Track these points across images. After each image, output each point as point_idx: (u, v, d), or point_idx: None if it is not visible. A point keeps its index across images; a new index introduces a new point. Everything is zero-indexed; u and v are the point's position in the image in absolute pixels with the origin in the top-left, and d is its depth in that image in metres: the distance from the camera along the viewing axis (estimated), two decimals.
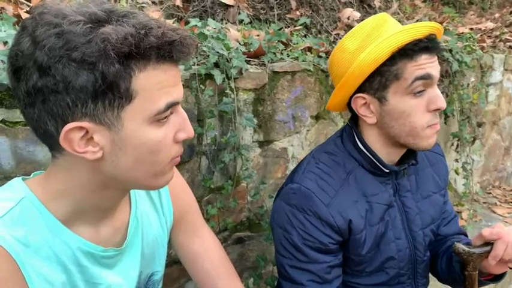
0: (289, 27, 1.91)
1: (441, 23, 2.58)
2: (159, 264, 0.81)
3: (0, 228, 0.56)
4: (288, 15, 1.97)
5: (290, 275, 0.93)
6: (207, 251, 0.89)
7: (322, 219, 0.88)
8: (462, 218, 2.31)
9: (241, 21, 1.73)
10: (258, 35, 1.56)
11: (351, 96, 0.91)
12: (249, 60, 1.38)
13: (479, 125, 2.48)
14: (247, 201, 1.44)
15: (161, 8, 1.60)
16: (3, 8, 1.11)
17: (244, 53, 1.34)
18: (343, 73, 0.88)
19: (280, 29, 1.70)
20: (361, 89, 0.88)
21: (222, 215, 1.37)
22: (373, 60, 0.83)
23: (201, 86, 1.20)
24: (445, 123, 2.24)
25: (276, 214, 0.95)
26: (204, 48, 1.24)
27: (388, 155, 0.93)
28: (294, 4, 1.98)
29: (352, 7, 2.18)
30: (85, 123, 0.54)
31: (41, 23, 0.52)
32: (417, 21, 2.58)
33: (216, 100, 1.25)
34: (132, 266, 0.73)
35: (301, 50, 1.56)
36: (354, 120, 0.97)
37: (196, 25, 1.41)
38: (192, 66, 1.20)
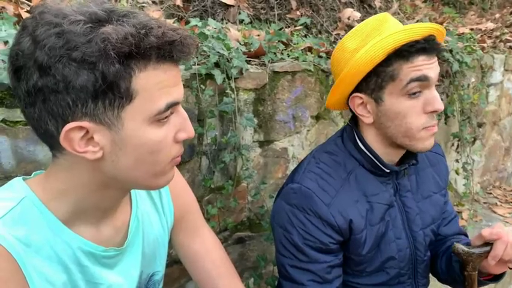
0: (289, 27, 1.91)
1: (441, 23, 2.58)
2: (159, 264, 0.81)
3: (1, 228, 0.56)
4: (288, 15, 1.97)
5: (290, 275, 0.93)
6: (208, 251, 0.89)
7: (323, 219, 0.88)
8: (462, 218, 2.31)
9: (241, 21, 1.73)
10: (258, 35, 1.56)
11: (350, 95, 0.91)
12: (250, 60, 1.38)
13: (480, 125, 2.48)
14: (247, 201, 1.44)
15: (161, 8, 1.60)
16: (3, 7, 1.11)
17: (244, 53, 1.34)
18: (341, 72, 0.88)
19: (280, 29, 1.70)
20: (358, 88, 0.89)
21: (223, 215, 1.37)
22: (368, 60, 0.83)
23: (201, 85, 1.20)
24: (446, 123, 2.24)
25: (277, 214, 0.95)
26: (205, 48, 1.24)
27: (387, 155, 0.93)
28: (294, 4, 1.98)
29: (353, 7, 2.18)
30: (85, 123, 0.54)
31: (41, 22, 0.52)
32: (417, 21, 2.58)
33: (217, 100, 1.25)
34: (133, 266, 0.73)
35: (302, 50, 1.56)
36: (354, 120, 0.97)
37: (196, 25, 1.41)
38: (193, 66, 1.20)
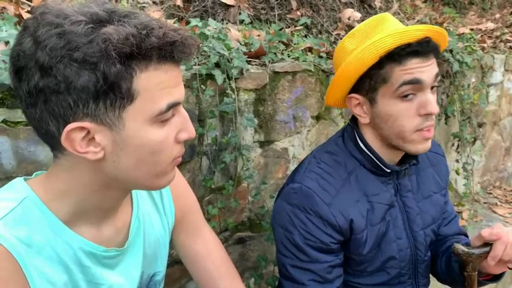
0: (289, 27, 1.91)
1: (441, 23, 2.58)
2: (160, 265, 0.81)
3: (2, 228, 0.56)
4: (288, 16, 1.97)
5: (291, 275, 0.93)
6: (209, 252, 0.89)
7: (324, 219, 0.88)
8: (463, 218, 2.31)
9: (241, 22, 1.73)
10: (258, 35, 1.56)
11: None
12: (250, 61, 1.38)
13: (480, 125, 2.48)
14: (248, 201, 1.44)
15: (162, 8, 1.60)
16: (4, 7, 1.11)
17: (245, 53, 1.34)
18: None
19: (280, 29, 1.70)
20: (354, 88, 0.89)
21: (223, 215, 1.37)
22: (360, 63, 0.84)
23: (201, 86, 1.20)
24: (446, 123, 2.25)
25: (277, 214, 0.95)
26: (205, 49, 1.24)
27: (387, 155, 0.93)
28: (294, 4, 1.98)
29: (353, 7, 2.18)
30: (86, 124, 0.54)
31: (42, 23, 0.52)
32: (418, 21, 2.58)
33: (217, 100, 1.25)
34: (134, 266, 0.73)
35: (302, 50, 1.56)
36: (355, 120, 0.97)
37: (197, 25, 1.41)
38: (193, 67, 1.20)
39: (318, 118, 1.61)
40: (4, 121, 0.90)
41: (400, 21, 0.90)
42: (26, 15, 1.09)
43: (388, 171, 0.93)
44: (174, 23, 1.48)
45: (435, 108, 0.82)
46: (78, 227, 0.64)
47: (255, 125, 1.36)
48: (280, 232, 0.94)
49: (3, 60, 0.90)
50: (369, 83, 0.86)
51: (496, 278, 0.95)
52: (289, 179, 0.98)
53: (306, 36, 1.88)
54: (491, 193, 2.77)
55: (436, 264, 1.05)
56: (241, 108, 1.32)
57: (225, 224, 1.39)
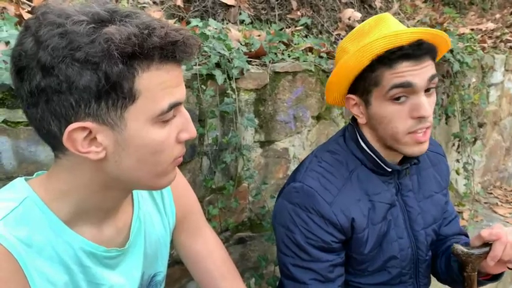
0: (290, 27, 1.91)
1: (442, 23, 2.58)
2: (161, 265, 0.81)
3: (3, 228, 0.56)
4: (288, 16, 1.97)
5: (293, 274, 0.93)
6: (210, 252, 0.89)
7: (325, 218, 0.88)
8: (463, 218, 2.31)
9: (242, 22, 1.73)
10: (259, 35, 1.56)
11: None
12: (250, 61, 1.38)
13: (480, 125, 2.48)
14: (248, 201, 1.44)
15: (162, 8, 1.60)
16: (4, 8, 1.11)
17: (245, 54, 1.34)
18: None
19: (281, 29, 1.70)
20: (352, 89, 0.90)
21: (224, 215, 1.37)
22: (352, 66, 0.85)
23: (202, 86, 1.20)
24: (446, 123, 2.25)
25: (279, 213, 0.95)
26: (206, 49, 1.24)
27: (386, 155, 0.93)
28: (294, 4, 1.98)
29: (353, 7, 2.18)
30: (88, 124, 0.54)
31: (44, 23, 0.52)
32: (418, 21, 2.58)
33: (218, 100, 1.25)
34: (134, 266, 0.73)
35: (302, 50, 1.56)
36: (356, 119, 0.97)
37: (197, 25, 1.41)
38: (194, 67, 1.20)
39: (318, 118, 1.61)
40: (4, 121, 0.90)
41: (400, 21, 0.90)
42: (26, 16, 1.09)
43: (389, 170, 0.93)
44: (175, 23, 1.48)
45: (427, 112, 0.81)
46: (79, 227, 0.64)
47: (256, 125, 1.36)
48: (281, 231, 0.94)
49: (3, 61, 0.90)
50: (363, 84, 0.86)
51: (495, 277, 0.94)
52: (290, 178, 0.98)
53: (306, 36, 1.88)
54: (491, 193, 2.77)
55: (435, 264, 1.05)
56: (242, 108, 1.32)
57: (226, 224, 1.39)
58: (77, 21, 0.51)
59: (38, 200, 0.60)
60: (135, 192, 0.75)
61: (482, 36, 2.70)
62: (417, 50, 0.80)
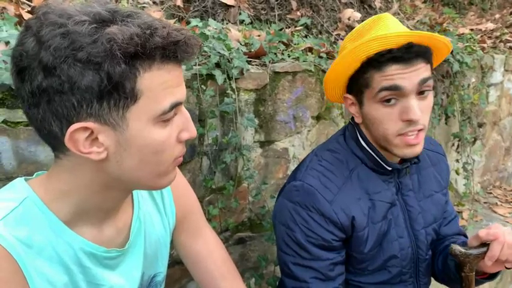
0: (289, 27, 1.91)
1: (441, 23, 2.58)
2: (161, 265, 0.81)
3: (2, 228, 0.56)
4: (288, 16, 1.97)
5: (293, 273, 0.93)
6: (210, 252, 0.88)
7: (325, 216, 0.89)
8: (463, 218, 2.31)
9: (242, 22, 1.73)
10: (258, 36, 1.56)
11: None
12: (250, 61, 1.38)
13: (480, 125, 2.49)
14: (248, 201, 1.44)
15: (162, 8, 1.60)
16: (4, 8, 1.11)
17: (245, 54, 1.34)
18: None
19: (281, 30, 1.70)
20: (348, 89, 0.91)
21: (224, 215, 1.37)
22: (345, 66, 0.86)
23: (202, 86, 1.20)
24: (446, 123, 2.25)
25: (279, 212, 0.96)
26: (205, 49, 1.24)
27: (384, 155, 0.93)
28: (294, 4, 1.98)
29: (353, 8, 2.18)
30: (90, 124, 0.54)
31: (45, 23, 0.52)
32: (417, 21, 2.58)
33: (217, 100, 1.25)
34: (134, 267, 0.73)
35: (302, 50, 1.56)
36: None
37: (197, 25, 1.41)
38: (194, 67, 1.20)
39: (318, 118, 1.61)
40: (4, 121, 0.90)
41: (400, 21, 0.90)
42: (26, 15, 1.09)
43: (390, 169, 0.93)
44: (175, 23, 1.48)
45: (416, 115, 0.81)
46: (79, 227, 0.64)
47: (256, 125, 1.36)
48: (281, 230, 0.94)
49: (3, 61, 0.90)
50: (356, 85, 0.87)
51: (492, 276, 0.95)
52: (290, 177, 0.98)
53: (306, 36, 1.89)
54: (491, 193, 2.77)
55: (433, 263, 1.05)
56: (242, 108, 1.32)
57: (226, 224, 1.39)
58: (78, 21, 0.51)
59: (37, 200, 0.60)
60: (135, 192, 0.75)
61: (481, 36, 2.70)
62: (406, 53, 0.80)
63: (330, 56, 1.59)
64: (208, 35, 1.32)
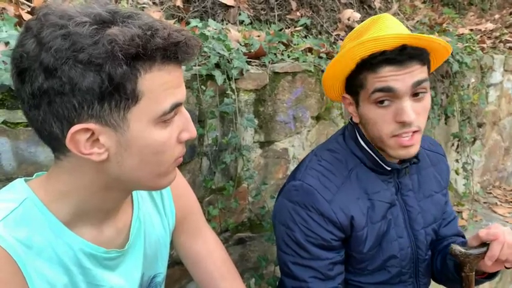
0: (289, 28, 1.91)
1: (441, 24, 2.59)
2: (161, 266, 0.81)
3: (2, 229, 0.56)
4: (288, 16, 1.97)
5: (292, 272, 0.93)
6: (210, 252, 0.89)
7: (324, 216, 0.89)
8: (463, 218, 2.31)
9: (241, 22, 1.73)
10: (258, 36, 1.56)
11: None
12: (250, 61, 1.38)
13: (480, 125, 2.49)
14: (248, 201, 1.44)
15: (162, 9, 1.60)
16: (4, 8, 1.11)
17: (245, 54, 1.34)
18: None
19: (280, 30, 1.70)
20: (347, 89, 0.92)
21: (223, 215, 1.37)
22: (341, 67, 0.86)
23: (202, 86, 1.20)
24: (446, 123, 2.25)
25: (278, 211, 0.96)
26: (205, 49, 1.24)
27: (383, 155, 0.93)
28: (294, 5, 1.99)
29: (353, 8, 2.18)
30: (91, 125, 0.54)
31: (46, 24, 0.52)
32: (417, 22, 2.59)
33: (217, 101, 1.25)
34: (134, 267, 0.73)
35: (302, 50, 1.56)
36: None
37: (197, 26, 1.41)
38: (193, 67, 1.20)
39: (318, 118, 1.61)
40: (4, 122, 0.90)
41: (400, 21, 0.90)
42: (26, 16, 1.09)
43: (389, 169, 0.93)
44: (174, 23, 1.48)
45: (409, 117, 0.81)
46: (79, 228, 0.64)
47: (255, 126, 1.36)
48: (281, 229, 0.94)
49: (3, 61, 0.90)
50: (352, 85, 0.88)
51: (491, 276, 0.95)
52: (290, 177, 0.98)
53: (305, 36, 1.89)
54: (491, 193, 2.77)
55: (431, 263, 1.05)
56: (242, 109, 1.32)
57: (226, 225, 1.39)
58: (79, 22, 0.51)
59: (37, 201, 0.60)
60: (134, 193, 0.75)
61: (481, 36, 2.71)
62: (400, 55, 0.79)
63: (330, 56, 1.59)
64: (208, 35, 1.32)
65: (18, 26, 1.04)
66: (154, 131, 0.57)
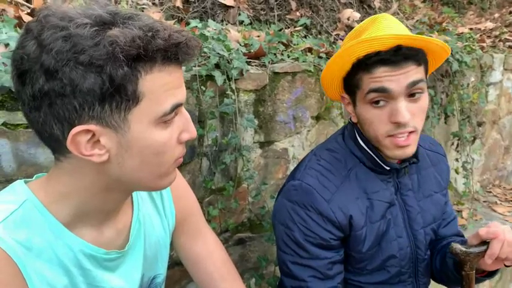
0: (289, 28, 1.91)
1: (441, 23, 2.59)
2: (161, 267, 0.81)
3: (2, 231, 0.56)
4: (288, 16, 1.97)
5: (292, 271, 0.93)
6: (210, 253, 0.89)
7: (323, 215, 0.89)
8: (462, 217, 2.32)
9: (241, 22, 1.73)
10: (258, 36, 1.56)
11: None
12: (250, 61, 1.38)
13: (480, 124, 2.49)
14: (248, 202, 1.44)
15: (161, 9, 1.60)
16: (4, 10, 1.10)
17: (244, 54, 1.34)
18: None
19: (280, 30, 1.70)
20: (345, 88, 0.92)
21: (223, 216, 1.37)
22: (338, 67, 0.87)
23: (202, 87, 1.20)
24: (446, 122, 2.25)
25: (278, 211, 0.96)
26: (205, 50, 1.24)
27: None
28: (294, 5, 1.98)
29: (352, 8, 2.18)
30: (92, 126, 0.54)
31: (46, 26, 0.52)
32: (417, 21, 2.58)
33: (217, 101, 1.25)
34: (134, 268, 0.73)
35: (302, 50, 1.56)
36: None
37: (196, 26, 1.41)
38: (193, 68, 1.20)
39: (317, 118, 1.61)
40: (4, 124, 0.90)
41: (399, 21, 0.90)
42: (25, 17, 1.09)
43: (388, 168, 0.93)
44: (174, 24, 1.48)
45: (404, 118, 0.81)
46: (79, 229, 0.64)
47: (255, 126, 1.36)
48: (280, 229, 0.95)
49: (3, 63, 0.90)
50: (349, 85, 0.88)
51: (491, 274, 0.95)
52: (289, 177, 0.99)
53: (305, 36, 1.89)
54: (490, 192, 2.77)
55: (431, 262, 1.05)
56: (241, 109, 1.32)
57: (226, 225, 1.39)
58: (80, 24, 0.51)
59: (37, 203, 0.60)
60: (134, 193, 0.75)
61: (481, 35, 2.71)
62: (394, 56, 0.79)
63: (330, 56, 1.59)
64: (207, 35, 1.32)
65: (18, 28, 1.04)
66: (155, 132, 0.57)
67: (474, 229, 2.16)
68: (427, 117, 2.02)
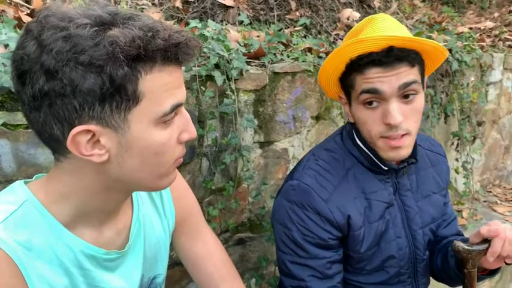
0: (289, 28, 1.91)
1: (440, 22, 2.58)
2: (161, 267, 0.81)
3: (2, 231, 0.56)
4: (287, 16, 1.97)
5: (291, 271, 0.93)
6: (210, 253, 0.89)
7: (321, 215, 0.89)
8: (463, 217, 2.31)
9: (241, 22, 1.73)
10: (258, 36, 1.56)
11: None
12: (249, 61, 1.38)
13: (479, 124, 2.49)
14: (248, 202, 1.44)
15: (161, 10, 1.60)
16: (3, 10, 1.10)
17: (244, 54, 1.34)
18: None
19: (280, 30, 1.70)
20: (342, 89, 0.92)
21: (223, 216, 1.37)
22: (332, 68, 0.87)
23: (201, 87, 1.20)
24: (445, 122, 2.25)
25: (277, 211, 0.96)
26: (205, 50, 1.24)
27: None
28: (293, 5, 1.98)
29: (352, 7, 2.18)
30: (92, 126, 0.54)
31: (46, 26, 0.52)
32: (416, 21, 2.58)
33: (217, 101, 1.25)
34: (134, 268, 0.73)
35: (301, 50, 1.56)
36: None
37: (196, 26, 1.41)
38: (193, 68, 1.20)
39: (317, 118, 1.61)
40: (4, 124, 0.90)
41: (399, 21, 0.90)
42: (25, 18, 1.09)
43: (386, 168, 0.93)
44: (174, 24, 1.48)
45: (395, 120, 0.81)
46: (79, 229, 0.64)
47: (255, 126, 1.36)
48: (279, 229, 0.95)
49: (3, 63, 0.90)
50: (345, 86, 0.89)
51: (492, 272, 0.95)
52: (288, 177, 0.99)
53: (305, 36, 1.88)
54: (491, 191, 2.77)
55: (431, 261, 1.05)
56: (241, 109, 1.32)
57: (226, 225, 1.39)
58: (80, 24, 0.51)
59: (37, 203, 0.60)
60: (134, 194, 0.76)
61: (480, 35, 2.70)
62: (386, 57, 0.79)
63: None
64: (207, 36, 1.32)
65: (17, 29, 1.04)
66: (155, 132, 0.58)
67: (474, 229, 2.16)
68: (427, 117, 2.02)
